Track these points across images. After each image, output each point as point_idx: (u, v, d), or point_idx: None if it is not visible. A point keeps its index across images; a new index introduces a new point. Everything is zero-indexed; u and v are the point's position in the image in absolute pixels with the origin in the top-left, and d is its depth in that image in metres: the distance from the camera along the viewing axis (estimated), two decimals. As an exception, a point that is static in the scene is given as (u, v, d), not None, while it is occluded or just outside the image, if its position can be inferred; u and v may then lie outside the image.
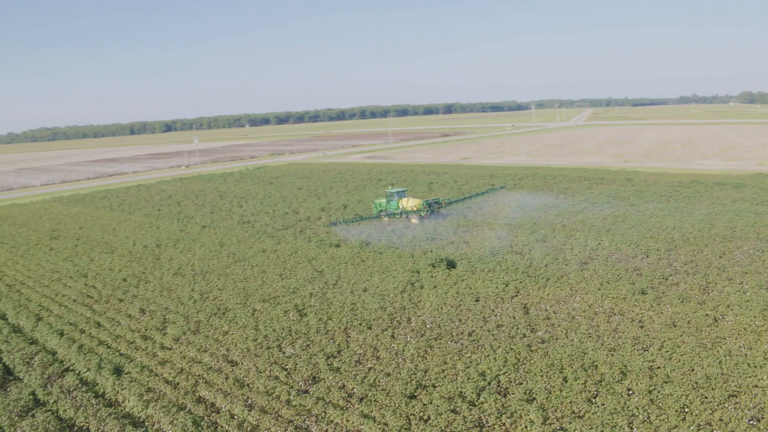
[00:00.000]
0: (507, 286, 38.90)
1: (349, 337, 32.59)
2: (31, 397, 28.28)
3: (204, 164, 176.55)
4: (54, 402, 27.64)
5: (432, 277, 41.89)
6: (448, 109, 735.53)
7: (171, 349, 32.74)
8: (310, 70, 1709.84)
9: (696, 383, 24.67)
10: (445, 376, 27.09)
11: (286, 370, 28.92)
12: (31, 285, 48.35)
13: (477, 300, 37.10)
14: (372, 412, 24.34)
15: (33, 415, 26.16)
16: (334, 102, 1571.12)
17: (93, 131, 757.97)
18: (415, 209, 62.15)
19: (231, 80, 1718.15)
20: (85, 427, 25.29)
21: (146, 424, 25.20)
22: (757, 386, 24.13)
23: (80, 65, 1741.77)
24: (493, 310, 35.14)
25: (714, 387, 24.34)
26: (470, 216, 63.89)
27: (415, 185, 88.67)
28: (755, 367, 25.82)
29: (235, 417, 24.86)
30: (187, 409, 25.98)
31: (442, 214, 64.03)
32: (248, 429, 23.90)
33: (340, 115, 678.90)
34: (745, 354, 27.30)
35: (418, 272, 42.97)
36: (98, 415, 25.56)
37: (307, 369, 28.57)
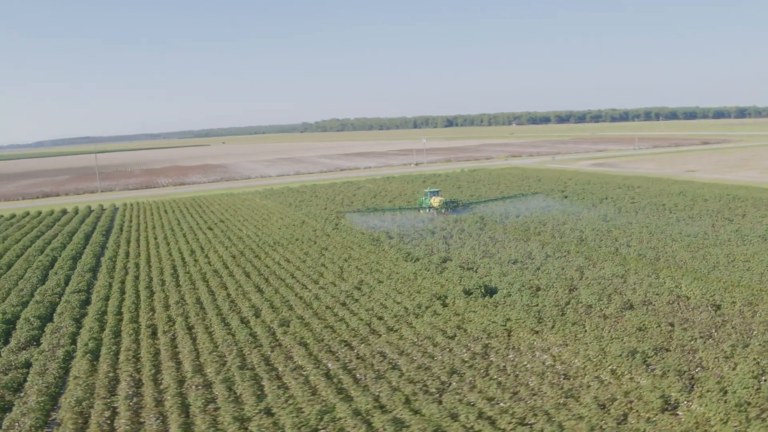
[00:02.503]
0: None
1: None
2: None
3: (432, 163, 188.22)
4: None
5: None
6: (741, 113, 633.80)
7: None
8: (599, 67, 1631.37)
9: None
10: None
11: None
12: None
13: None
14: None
15: None
16: (621, 102, 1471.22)
17: (379, 123, 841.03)
18: (436, 206, 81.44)
19: (514, 77, 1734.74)
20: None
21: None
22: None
23: (372, 65, 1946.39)
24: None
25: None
26: (480, 214, 77.26)
27: (589, 196, 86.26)
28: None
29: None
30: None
31: (458, 211, 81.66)
32: None
33: (623, 116, 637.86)
34: None
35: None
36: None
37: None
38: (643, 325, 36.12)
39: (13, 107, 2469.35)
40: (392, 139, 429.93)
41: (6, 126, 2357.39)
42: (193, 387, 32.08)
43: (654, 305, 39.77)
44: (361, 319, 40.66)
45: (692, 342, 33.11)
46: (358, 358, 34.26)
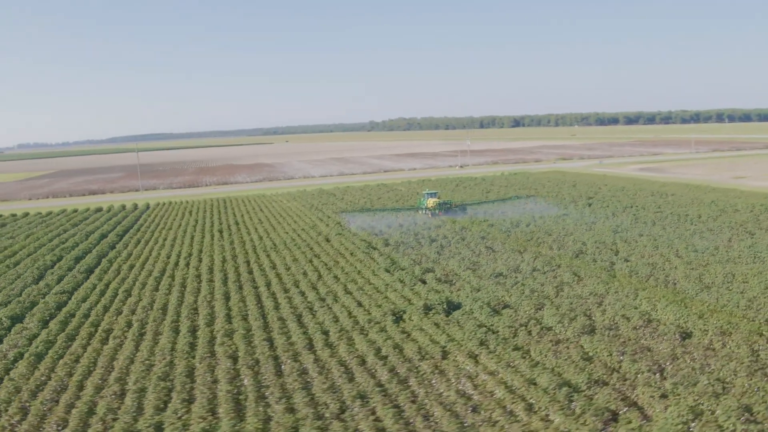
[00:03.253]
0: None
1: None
2: None
3: (478, 165, 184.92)
4: None
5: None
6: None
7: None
8: (672, 67, 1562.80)
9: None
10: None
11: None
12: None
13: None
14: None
15: None
16: (693, 103, 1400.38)
17: (445, 123, 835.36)
18: (431, 207, 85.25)
19: (583, 76, 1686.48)
20: None
21: None
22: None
23: (440, 63, 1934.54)
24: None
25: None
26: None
27: (614, 204, 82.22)
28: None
29: None
30: None
31: (450, 213, 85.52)
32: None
33: (694, 118, 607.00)
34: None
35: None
36: None
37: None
38: (595, 352, 33.40)
39: (88, 103, 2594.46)
40: (454, 139, 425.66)
41: (81, 121, 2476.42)
42: (108, 395, 31.83)
43: (618, 330, 36.80)
44: (305, 333, 39.43)
45: (637, 375, 30.27)
46: (276, 375, 33.06)
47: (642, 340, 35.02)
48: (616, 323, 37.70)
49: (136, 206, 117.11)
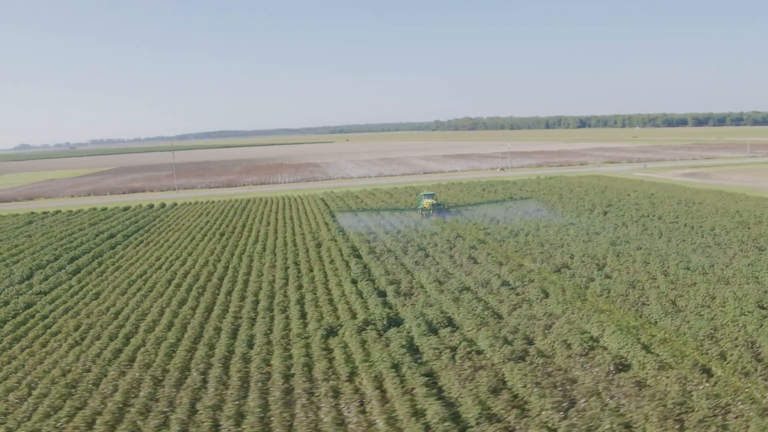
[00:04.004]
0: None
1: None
2: None
3: (520, 168, 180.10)
4: None
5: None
6: None
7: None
8: (744, 66, 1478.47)
9: None
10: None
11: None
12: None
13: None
14: None
15: None
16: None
17: (510, 123, 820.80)
18: (426, 207, 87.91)
19: (652, 77, 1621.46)
20: None
21: None
22: None
23: (507, 62, 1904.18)
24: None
25: None
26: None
27: (631, 213, 77.15)
28: None
29: None
30: None
31: (443, 213, 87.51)
32: None
33: (766, 119, 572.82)
34: None
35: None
36: None
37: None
38: (513, 382, 30.69)
39: (161, 100, 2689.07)
40: (517, 140, 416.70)
41: (153, 118, 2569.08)
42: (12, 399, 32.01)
43: (552, 357, 33.89)
44: (229, 346, 38.19)
45: (541, 412, 27.47)
46: (174, 387, 32.27)
47: (573, 371, 32.01)
48: (554, 349, 34.70)
49: (163, 205, 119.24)
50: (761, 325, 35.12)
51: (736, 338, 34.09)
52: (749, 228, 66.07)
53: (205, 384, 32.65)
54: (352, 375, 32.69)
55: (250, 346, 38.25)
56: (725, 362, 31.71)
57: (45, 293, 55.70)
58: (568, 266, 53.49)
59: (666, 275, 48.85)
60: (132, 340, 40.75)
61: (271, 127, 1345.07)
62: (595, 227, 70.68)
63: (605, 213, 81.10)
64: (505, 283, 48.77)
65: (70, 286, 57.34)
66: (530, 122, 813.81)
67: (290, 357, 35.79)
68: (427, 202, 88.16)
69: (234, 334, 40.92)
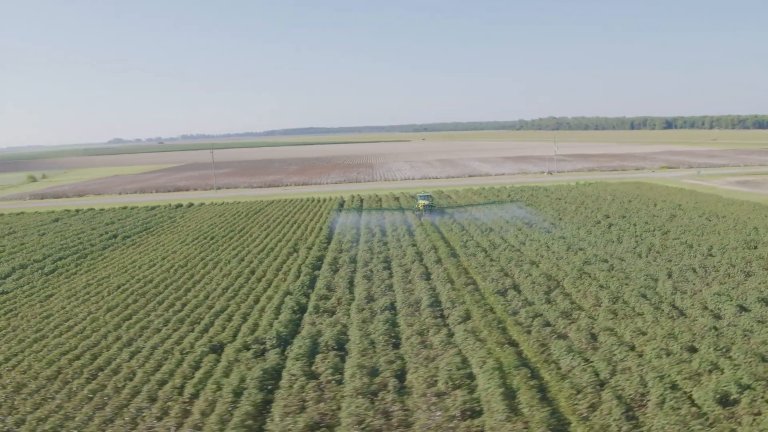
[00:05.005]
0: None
1: None
2: None
3: (567, 173, 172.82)
4: None
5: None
6: None
7: None
8: None
9: None
10: None
11: None
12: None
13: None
14: None
15: None
16: None
17: (595, 123, 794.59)
18: (420, 208, 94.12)
19: (743, 76, 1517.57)
20: None
21: None
22: None
23: (594, 60, 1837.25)
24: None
25: None
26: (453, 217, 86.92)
27: (635, 226, 71.30)
28: None
29: None
30: None
31: (434, 214, 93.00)
32: None
33: None
34: None
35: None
36: None
37: None
38: (332, 419, 28.24)
39: (249, 97, 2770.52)
40: (586, 141, 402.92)
41: (242, 114, 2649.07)
42: None
43: (407, 395, 31.08)
44: (112, 357, 37.83)
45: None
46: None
47: (417, 412, 29.07)
48: (417, 385, 31.76)
49: (191, 204, 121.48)
50: (668, 374, 30.91)
51: (622, 390, 30.04)
52: (755, 248, 59.50)
53: (60, 391, 32.41)
54: (193, 397, 31.25)
55: (132, 356, 37.56)
56: (589, 419, 27.81)
57: (6, 293, 57.06)
58: (515, 288, 49.69)
59: (614, 302, 44.36)
60: (35, 345, 40.86)
61: (359, 124, 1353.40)
62: (583, 242, 65.83)
63: (610, 226, 75.57)
64: (434, 304, 45.69)
65: (32, 287, 58.56)
66: (615, 122, 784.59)
67: (157, 371, 34.83)
68: (421, 203, 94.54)
69: (129, 344, 40.46)
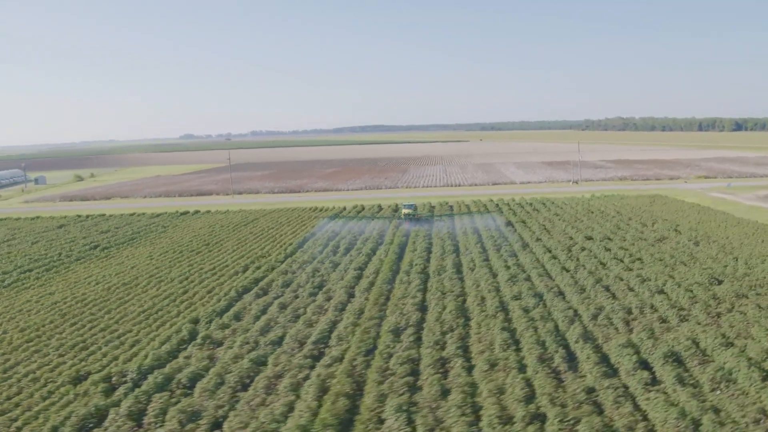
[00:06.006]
0: None
1: None
2: None
3: (597, 181, 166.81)
4: None
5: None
6: None
7: None
8: None
9: None
10: None
11: None
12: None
13: None
14: None
15: None
16: None
17: (662, 124, 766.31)
18: (403, 216, 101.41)
19: None
20: None
21: None
22: None
23: (664, 59, 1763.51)
24: None
25: None
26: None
27: (614, 251, 68.23)
28: None
29: None
30: None
31: (414, 222, 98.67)
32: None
33: None
34: None
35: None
36: None
37: None
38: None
39: (318, 94, 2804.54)
40: (650, 145, 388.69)
41: (313, 111, 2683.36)
42: None
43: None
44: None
45: None
46: None
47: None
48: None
49: (197, 212, 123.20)
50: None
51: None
52: (720, 284, 54.52)
53: None
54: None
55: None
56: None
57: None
58: (420, 324, 47.66)
59: (505, 349, 41.17)
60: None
61: (427, 122, 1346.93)
62: (534, 271, 62.57)
63: (583, 249, 71.58)
64: (321, 340, 44.36)
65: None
66: (683, 123, 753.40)
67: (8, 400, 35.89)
68: (404, 211, 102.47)
69: (8, 369, 41.70)
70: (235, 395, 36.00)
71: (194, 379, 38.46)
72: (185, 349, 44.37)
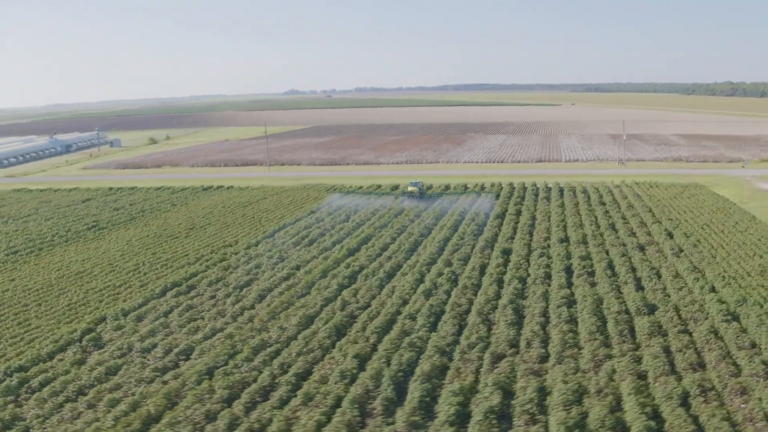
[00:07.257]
0: None
1: None
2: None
3: (646, 161, 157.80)
4: None
5: None
6: None
7: None
8: None
9: None
10: None
11: None
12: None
13: None
14: None
15: None
16: None
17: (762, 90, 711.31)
18: (408, 191, 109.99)
19: None
20: None
21: None
22: None
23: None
24: None
25: None
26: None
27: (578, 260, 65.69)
28: None
29: None
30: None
31: (417, 198, 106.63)
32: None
33: None
34: None
35: None
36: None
37: None
38: None
39: (431, 51, 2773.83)
40: (762, 116, 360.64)
41: (416, 69, 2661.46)
42: None
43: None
44: None
45: None
46: None
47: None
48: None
49: (220, 187, 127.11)
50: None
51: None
52: (652, 314, 49.59)
53: None
54: None
55: None
56: None
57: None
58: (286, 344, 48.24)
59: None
60: None
61: (532, 81, 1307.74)
62: (443, 278, 60.80)
63: (541, 256, 67.42)
64: (182, 351, 45.69)
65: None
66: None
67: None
68: (411, 189, 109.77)
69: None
70: (61, 406, 38.12)
71: (44, 384, 40.88)
72: (65, 350, 46.92)
